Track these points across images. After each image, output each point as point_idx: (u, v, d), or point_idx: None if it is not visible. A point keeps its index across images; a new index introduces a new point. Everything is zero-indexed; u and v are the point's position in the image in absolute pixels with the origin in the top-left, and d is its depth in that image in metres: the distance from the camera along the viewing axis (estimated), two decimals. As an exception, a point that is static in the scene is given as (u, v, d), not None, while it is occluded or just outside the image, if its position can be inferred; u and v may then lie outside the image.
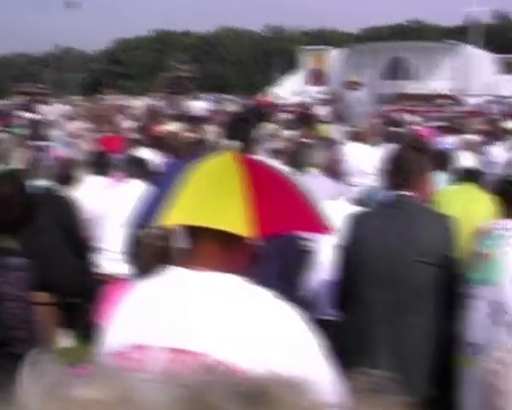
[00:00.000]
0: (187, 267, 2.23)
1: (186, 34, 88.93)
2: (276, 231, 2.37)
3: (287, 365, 2.05)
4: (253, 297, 2.18)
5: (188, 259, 2.26)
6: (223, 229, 2.19)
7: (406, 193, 4.20)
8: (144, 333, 2.18)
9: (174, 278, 2.25)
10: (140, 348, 2.17)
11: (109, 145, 9.41)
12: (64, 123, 17.05)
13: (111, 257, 6.32)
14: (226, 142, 5.98)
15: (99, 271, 6.61)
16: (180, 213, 2.25)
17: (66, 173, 7.49)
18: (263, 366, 2.03)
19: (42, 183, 6.54)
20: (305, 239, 4.69)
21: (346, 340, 4.10)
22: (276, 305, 2.18)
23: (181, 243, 3.97)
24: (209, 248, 2.23)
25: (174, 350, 2.12)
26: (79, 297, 6.23)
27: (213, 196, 2.23)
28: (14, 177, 4.49)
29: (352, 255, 4.13)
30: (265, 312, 2.15)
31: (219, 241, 2.22)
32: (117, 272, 5.64)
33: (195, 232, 2.25)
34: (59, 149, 9.95)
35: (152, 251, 4.27)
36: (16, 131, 13.63)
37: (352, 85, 15.72)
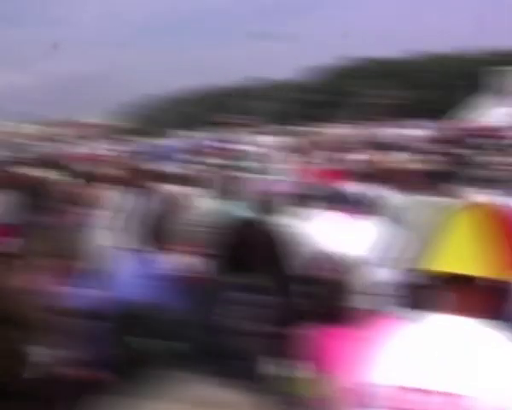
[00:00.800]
0: (449, 313, 2.32)
1: (381, 61, 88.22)
2: None
3: None
4: None
5: (448, 305, 2.33)
6: (490, 277, 2.26)
7: None
8: (412, 376, 2.26)
9: (438, 323, 2.33)
10: (409, 390, 2.24)
11: (329, 178, 9.36)
12: (277, 154, 17.35)
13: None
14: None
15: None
16: (446, 261, 2.32)
17: (288, 207, 7.59)
18: None
19: (265, 217, 6.65)
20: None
21: None
22: None
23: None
24: (471, 295, 2.31)
25: (444, 394, 2.18)
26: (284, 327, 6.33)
27: (474, 246, 2.30)
28: (258, 219, 4.65)
29: None
30: None
31: (481, 288, 2.30)
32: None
33: (457, 280, 2.31)
34: (279, 183, 10.00)
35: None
36: (234, 164, 13.86)
37: None
